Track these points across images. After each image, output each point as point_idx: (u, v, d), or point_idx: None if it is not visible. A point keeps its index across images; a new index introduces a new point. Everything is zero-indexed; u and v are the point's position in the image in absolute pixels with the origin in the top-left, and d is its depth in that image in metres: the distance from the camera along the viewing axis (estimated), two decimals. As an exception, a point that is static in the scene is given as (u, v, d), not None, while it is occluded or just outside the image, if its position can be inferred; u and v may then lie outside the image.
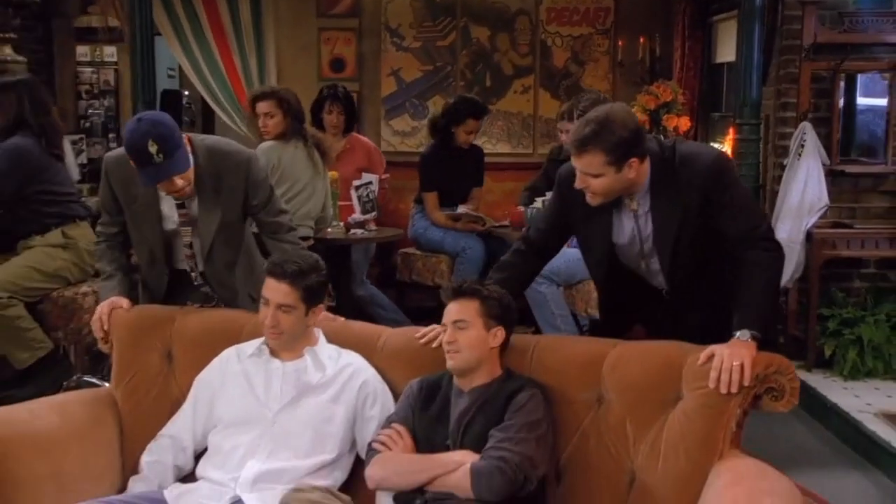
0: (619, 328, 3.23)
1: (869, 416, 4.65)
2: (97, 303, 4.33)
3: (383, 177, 5.91)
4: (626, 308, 3.24)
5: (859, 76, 5.71)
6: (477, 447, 2.65)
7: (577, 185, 2.89)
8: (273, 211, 3.51)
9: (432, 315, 3.00)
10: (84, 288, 4.40)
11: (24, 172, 4.26)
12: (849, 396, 4.97)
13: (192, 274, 3.51)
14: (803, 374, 5.22)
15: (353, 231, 5.33)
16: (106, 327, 3.29)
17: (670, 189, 2.90)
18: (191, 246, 3.45)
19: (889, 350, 5.24)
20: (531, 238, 3.24)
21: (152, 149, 3.08)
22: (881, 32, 5.46)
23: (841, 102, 5.57)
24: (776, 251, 2.89)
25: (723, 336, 2.70)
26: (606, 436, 2.74)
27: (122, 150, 3.30)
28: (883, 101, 5.62)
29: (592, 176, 2.84)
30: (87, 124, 6.83)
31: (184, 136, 3.25)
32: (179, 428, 3.01)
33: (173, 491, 2.83)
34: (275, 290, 2.88)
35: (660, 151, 2.91)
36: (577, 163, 2.86)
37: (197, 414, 3.00)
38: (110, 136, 6.87)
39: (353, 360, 2.98)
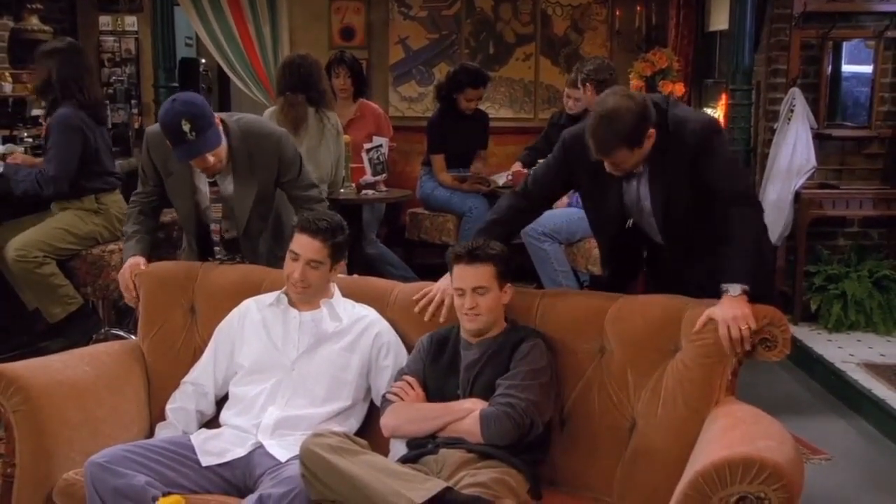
0: (620, 283, 3.23)
1: (851, 366, 4.68)
2: (123, 261, 4.37)
3: (392, 145, 5.89)
4: (627, 261, 3.24)
5: (845, 44, 5.67)
6: (485, 396, 2.68)
7: (609, 169, 2.88)
8: (303, 185, 3.53)
9: (439, 271, 3.00)
10: (111, 246, 4.39)
11: (81, 138, 4.24)
12: (833, 348, 5.00)
13: (216, 248, 3.55)
14: (790, 327, 5.22)
15: (364, 192, 5.31)
16: (132, 286, 3.32)
17: (664, 153, 2.88)
18: (219, 221, 3.49)
19: (871, 304, 5.26)
20: (530, 191, 3.17)
21: (185, 127, 3.10)
22: (867, 1, 5.43)
23: (828, 69, 5.54)
24: (755, 206, 2.89)
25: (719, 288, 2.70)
26: (608, 384, 2.76)
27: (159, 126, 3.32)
28: (868, 68, 5.59)
29: (622, 161, 2.85)
30: (111, 91, 6.78)
31: (216, 116, 3.26)
32: (200, 375, 3.04)
33: (199, 436, 2.85)
34: (307, 246, 2.90)
35: (657, 116, 2.88)
36: (606, 160, 2.85)
37: (217, 361, 3.03)
38: (132, 101, 6.84)
39: (368, 313, 3.00)
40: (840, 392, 4.56)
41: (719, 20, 6.36)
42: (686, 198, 2.90)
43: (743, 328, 2.55)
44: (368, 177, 5.36)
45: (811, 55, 5.50)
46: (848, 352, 4.92)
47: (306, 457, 2.45)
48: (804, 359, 4.94)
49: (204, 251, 3.58)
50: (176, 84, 5.46)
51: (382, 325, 2.99)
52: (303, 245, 2.91)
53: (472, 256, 2.74)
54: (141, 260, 3.38)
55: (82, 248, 4.32)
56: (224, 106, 8.59)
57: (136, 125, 6.71)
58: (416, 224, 5.90)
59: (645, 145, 2.82)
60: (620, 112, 2.77)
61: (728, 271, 2.69)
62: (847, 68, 5.76)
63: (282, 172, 3.45)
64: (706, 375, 2.59)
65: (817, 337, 5.20)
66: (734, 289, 2.64)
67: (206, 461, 2.75)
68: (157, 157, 3.43)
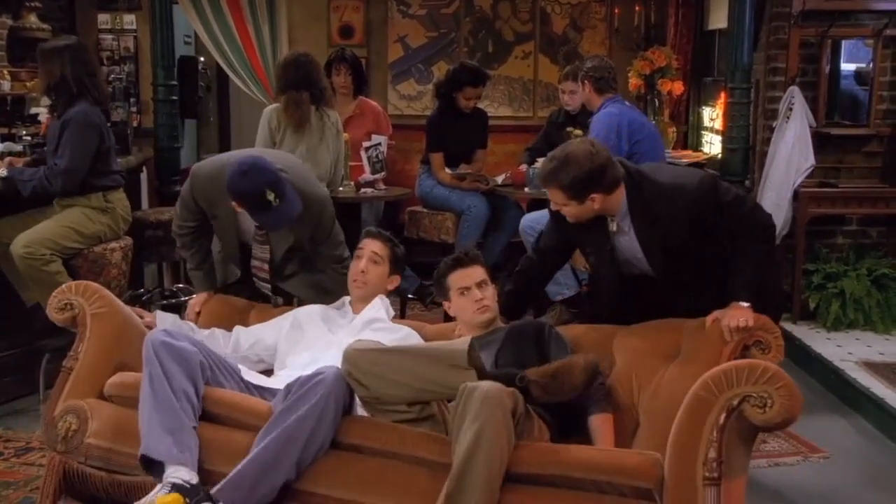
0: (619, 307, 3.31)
1: (850, 364, 4.69)
2: (124, 258, 4.39)
3: (391, 143, 5.89)
4: (621, 296, 3.32)
5: (844, 42, 5.67)
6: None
7: (552, 207, 3.11)
8: (333, 244, 3.66)
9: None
10: (112, 244, 4.39)
11: (98, 135, 4.24)
12: (831, 346, 5.00)
13: (261, 283, 3.74)
14: (789, 326, 5.25)
15: (363, 190, 5.31)
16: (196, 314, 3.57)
17: (650, 212, 2.99)
18: (262, 260, 3.64)
19: (869, 303, 5.26)
20: (543, 250, 3.39)
21: (270, 196, 3.18)
22: (866, 0, 5.42)
23: (827, 67, 5.55)
24: (769, 228, 3.05)
25: (708, 313, 2.90)
26: (615, 390, 2.91)
27: (211, 166, 3.45)
28: (866, 67, 5.59)
29: (560, 204, 3.00)
30: (110, 89, 6.76)
31: None
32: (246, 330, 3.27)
33: (245, 369, 3.05)
34: (370, 244, 3.33)
35: (629, 178, 2.99)
36: (547, 193, 3.05)
37: (275, 327, 3.23)
38: (131, 100, 6.84)
39: (409, 329, 3.23)
40: (839, 390, 4.57)
41: (718, 18, 6.37)
42: (685, 244, 3.02)
43: (741, 321, 2.77)
44: (367, 175, 5.37)
45: (810, 53, 5.50)
46: (846, 350, 4.93)
47: (350, 357, 2.60)
48: (803, 357, 4.94)
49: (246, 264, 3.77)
50: (175, 82, 5.46)
51: (419, 338, 3.20)
52: (367, 243, 3.33)
53: (463, 262, 3.09)
54: (205, 296, 3.65)
55: (86, 247, 4.32)
56: (223, 105, 8.60)
57: (135, 123, 6.71)
58: (414, 222, 5.90)
59: (587, 204, 2.95)
60: (571, 161, 2.91)
61: (737, 288, 2.89)
62: (846, 67, 5.76)
63: (316, 233, 3.59)
64: (705, 363, 2.69)
65: (816, 335, 5.20)
66: (743, 302, 2.85)
67: (247, 377, 2.96)
68: (202, 202, 3.54)
